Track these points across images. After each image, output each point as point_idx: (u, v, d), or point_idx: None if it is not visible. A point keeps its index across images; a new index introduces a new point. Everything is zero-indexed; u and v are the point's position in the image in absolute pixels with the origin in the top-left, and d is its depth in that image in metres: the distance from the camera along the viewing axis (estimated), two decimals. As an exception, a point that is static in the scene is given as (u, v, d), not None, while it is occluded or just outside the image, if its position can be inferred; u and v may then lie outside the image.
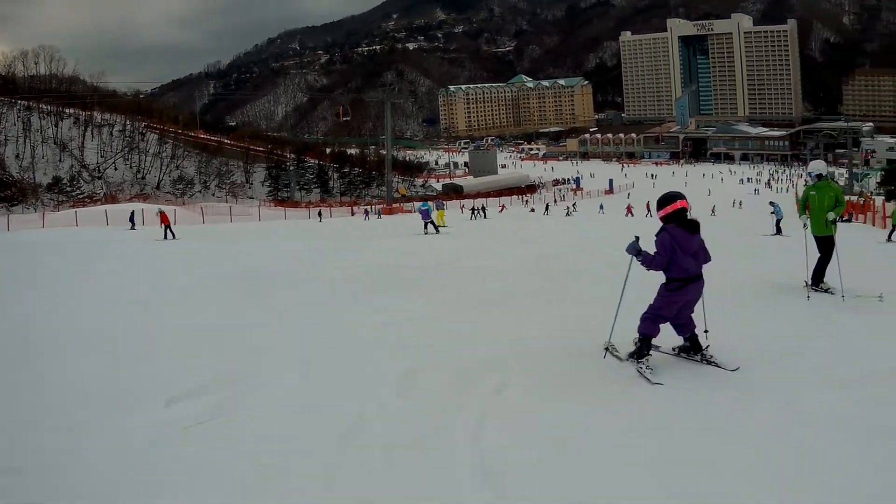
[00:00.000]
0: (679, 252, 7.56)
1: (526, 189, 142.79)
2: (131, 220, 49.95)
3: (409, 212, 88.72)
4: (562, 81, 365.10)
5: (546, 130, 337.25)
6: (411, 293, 13.99)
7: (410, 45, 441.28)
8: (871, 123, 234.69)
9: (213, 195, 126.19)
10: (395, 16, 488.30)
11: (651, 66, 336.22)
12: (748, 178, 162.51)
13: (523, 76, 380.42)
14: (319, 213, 78.31)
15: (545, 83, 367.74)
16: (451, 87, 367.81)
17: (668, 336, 8.25)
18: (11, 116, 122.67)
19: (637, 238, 7.75)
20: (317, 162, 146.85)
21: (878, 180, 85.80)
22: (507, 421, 6.55)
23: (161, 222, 39.33)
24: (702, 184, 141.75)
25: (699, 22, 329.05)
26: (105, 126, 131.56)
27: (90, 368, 8.76)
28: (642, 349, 7.91)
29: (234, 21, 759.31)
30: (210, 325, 11.33)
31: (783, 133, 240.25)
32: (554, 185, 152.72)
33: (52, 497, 5.24)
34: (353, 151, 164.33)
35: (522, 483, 5.35)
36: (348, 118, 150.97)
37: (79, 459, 5.87)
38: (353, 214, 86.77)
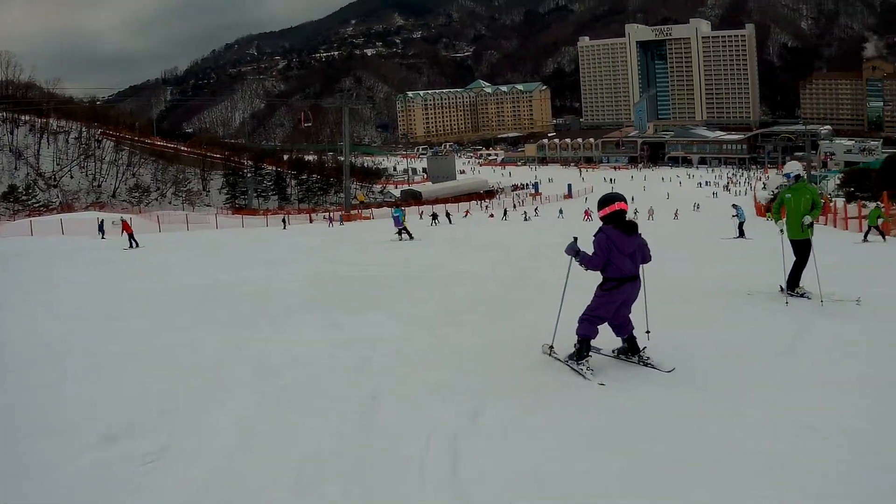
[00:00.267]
0: (616, 252, 7.71)
1: (485, 194, 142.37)
2: (101, 229, 49.07)
3: (368, 218, 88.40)
4: (520, 86, 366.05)
5: (504, 136, 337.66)
6: (371, 307, 13.25)
7: (369, 51, 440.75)
8: (828, 126, 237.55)
9: (170, 203, 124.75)
10: (353, 21, 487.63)
11: (609, 71, 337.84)
12: (706, 182, 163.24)
13: (482, 81, 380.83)
14: (284, 220, 77.58)
15: (503, 88, 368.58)
16: (410, 93, 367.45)
17: (612, 339, 8.47)
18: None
19: (575, 239, 7.99)
20: (274, 169, 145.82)
21: (838, 182, 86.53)
22: (481, 449, 6.01)
23: (123, 231, 38.90)
24: (660, 188, 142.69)
25: (657, 27, 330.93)
26: (61, 133, 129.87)
27: (19, 395, 8.07)
28: (582, 351, 8.01)
29: (191, 27, 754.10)
30: (155, 345, 10.43)
31: (741, 137, 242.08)
32: (513, 191, 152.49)
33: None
34: (310, 158, 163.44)
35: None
36: (310, 124, 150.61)
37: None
38: (311, 221, 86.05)
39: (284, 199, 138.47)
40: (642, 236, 8.01)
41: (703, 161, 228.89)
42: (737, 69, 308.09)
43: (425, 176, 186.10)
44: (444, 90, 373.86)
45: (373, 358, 9.11)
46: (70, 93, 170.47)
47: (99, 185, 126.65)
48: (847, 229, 38.80)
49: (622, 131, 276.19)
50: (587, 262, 7.82)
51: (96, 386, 8.25)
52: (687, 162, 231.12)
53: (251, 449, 6.19)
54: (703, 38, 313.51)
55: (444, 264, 21.66)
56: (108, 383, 8.37)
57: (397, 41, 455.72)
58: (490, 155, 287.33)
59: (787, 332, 9.79)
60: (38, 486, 5.56)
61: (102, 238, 44.86)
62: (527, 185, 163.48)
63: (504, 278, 16.39)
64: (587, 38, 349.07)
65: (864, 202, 63.33)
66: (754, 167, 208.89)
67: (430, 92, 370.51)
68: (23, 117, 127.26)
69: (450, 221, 67.77)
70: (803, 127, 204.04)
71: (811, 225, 12.11)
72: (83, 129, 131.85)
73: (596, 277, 8.08)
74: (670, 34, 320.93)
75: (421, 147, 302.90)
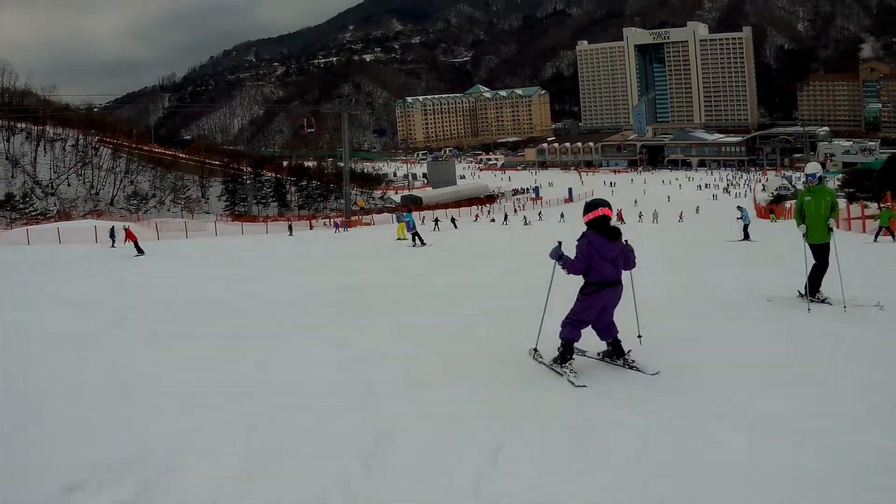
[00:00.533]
0: (597, 257, 7.79)
1: (485, 199, 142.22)
2: (112, 236, 48.55)
3: (369, 224, 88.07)
4: (519, 91, 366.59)
5: (504, 140, 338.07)
6: (376, 321, 12.41)
7: (367, 57, 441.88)
8: (826, 128, 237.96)
9: (169, 210, 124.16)
10: (351, 27, 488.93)
11: (608, 75, 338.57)
12: (706, 185, 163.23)
13: (480, 86, 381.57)
14: (290, 227, 77.02)
15: (502, 93, 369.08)
16: (409, 99, 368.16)
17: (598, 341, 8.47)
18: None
19: (560, 243, 8.11)
20: (274, 175, 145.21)
21: (839, 183, 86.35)
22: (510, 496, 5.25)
23: (126, 238, 38.74)
24: (661, 191, 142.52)
25: (655, 31, 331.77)
26: (58, 141, 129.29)
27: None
28: (565, 354, 8.10)
29: (189, 34, 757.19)
30: (134, 369, 9.42)
31: (739, 139, 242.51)
32: (513, 195, 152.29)
33: None
34: (310, 164, 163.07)
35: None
36: (313, 129, 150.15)
37: None
38: (311, 228, 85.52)
39: (284, 206, 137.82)
40: (628, 242, 8.16)
41: (702, 164, 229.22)
42: (734, 72, 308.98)
43: (425, 181, 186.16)
44: (443, 95, 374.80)
45: (379, 383, 8.15)
46: (67, 100, 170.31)
47: (97, 193, 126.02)
48: (850, 230, 38.40)
49: (622, 135, 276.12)
50: (569, 266, 7.92)
51: (61, 425, 7.08)
52: (686, 165, 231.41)
53: (238, 501, 5.33)
54: (700, 41, 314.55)
55: (451, 273, 20.98)
56: (74, 422, 7.15)
57: (396, 47, 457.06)
58: (490, 160, 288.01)
59: (815, 340, 9.38)
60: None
61: (113, 246, 44.31)
62: (527, 189, 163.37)
63: (514, 289, 15.54)
64: (585, 43, 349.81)
65: (865, 202, 63.06)
66: (753, 169, 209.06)
67: (429, 97, 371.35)
68: (19, 125, 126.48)
69: (455, 226, 67.63)
70: (801, 129, 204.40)
71: (831, 228, 11.58)
72: (80, 136, 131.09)
73: (580, 281, 8.09)
74: (668, 37, 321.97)
75: (421, 152, 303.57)
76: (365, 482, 5.51)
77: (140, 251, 36.68)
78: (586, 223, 8.06)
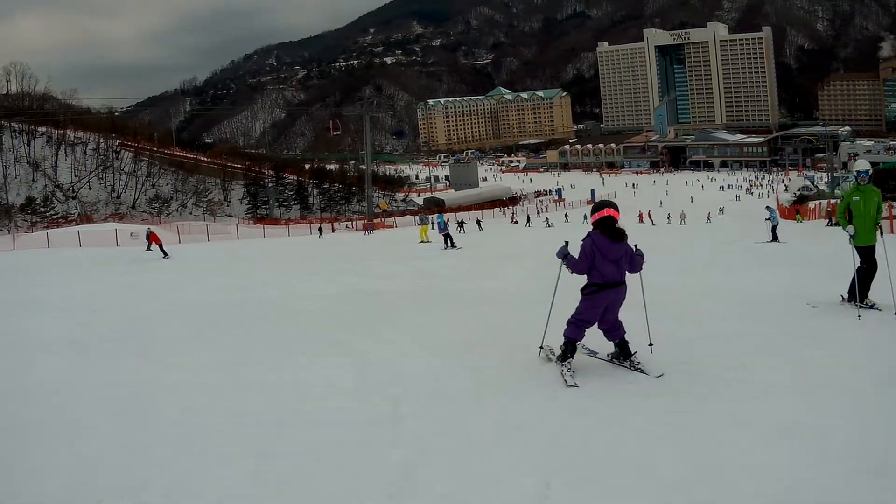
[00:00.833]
0: (599, 258, 7.82)
1: (508, 201, 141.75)
2: (147, 238, 48.43)
3: (392, 227, 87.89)
4: (540, 93, 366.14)
5: (526, 142, 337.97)
6: (400, 330, 11.50)
7: (388, 60, 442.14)
8: (848, 127, 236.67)
9: (191, 213, 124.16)
10: (372, 30, 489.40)
11: (629, 76, 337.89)
12: (728, 185, 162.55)
13: (502, 88, 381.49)
14: (320, 230, 76.86)
15: (524, 95, 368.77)
16: (430, 101, 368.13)
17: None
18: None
19: (566, 243, 8.23)
20: (296, 178, 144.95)
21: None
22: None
23: (151, 242, 39.06)
24: (684, 192, 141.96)
25: (675, 31, 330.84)
26: (78, 144, 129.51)
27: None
28: (566, 352, 8.12)
29: (210, 37, 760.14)
30: (135, 384, 8.58)
31: (761, 139, 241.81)
32: (536, 197, 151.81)
33: None
34: (332, 167, 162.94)
35: None
36: (339, 132, 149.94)
37: None
38: (332, 231, 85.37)
39: (306, 209, 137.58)
40: (637, 247, 8.23)
41: (724, 164, 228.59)
42: (755, 72, 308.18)
43: (447, 184, 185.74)
44: (464, 98, 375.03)
45: (404, 403, 7.34)
46: (87, 104, 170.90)
47: (118, 197, 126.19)
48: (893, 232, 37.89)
49: (645, 136, 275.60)
50: (572, 265, 8.03)
51: (51, 447, 6.39)
52: (708, 166, 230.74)
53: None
54: (720, 41, 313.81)
55: (476, 277, 20.36)
56: (64, 443, 6.48)
57: (416, 49, 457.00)
58: (512, 162, 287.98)
59: (871, 351, 8.86)
60: None
61: (148, 249, 44.22)
62: (549, 191, 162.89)
63: (540, 294, 14.57)
64: (606, 44, 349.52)
65: (892, 202, 62.43)
66: (775, 170, 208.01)
67: (450, 99, 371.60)
68: (39, 129, 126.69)
69: (480, 228, 67.80)
70: (824, 128, 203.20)
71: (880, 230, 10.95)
72: (101, 140, 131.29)
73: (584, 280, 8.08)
74: (688, 38, 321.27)
75: (443, 155, 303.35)
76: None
77: (165, 254, 36.80)
78: (592, 224, 8.10)
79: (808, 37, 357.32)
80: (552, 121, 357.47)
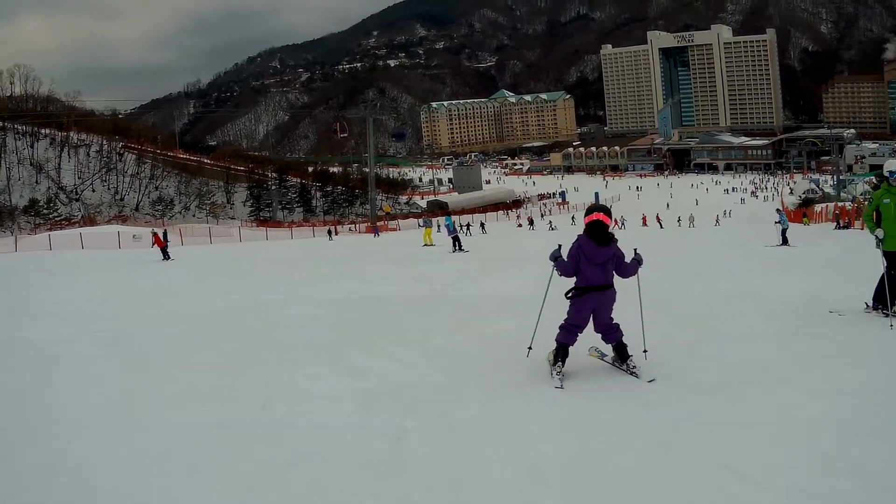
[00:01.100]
0: (584, 261, 7.86)
1: (512, 204, 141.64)
2: (165, 239, 48.12)
3: (395, 230, 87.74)
4: (544, 96, 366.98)
5: (529, 145, 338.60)
6: (404, 342, 10.45)
7: (392, 62, 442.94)
8: (853, 130, 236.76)
9: (194, 216, 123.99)
10: (375, 33, 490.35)
11: (632, 79, 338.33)
12: (733, 188, 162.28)
13: (505, 91, 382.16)
14: (329, 232, 76.82)
15: (527, 98, 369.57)
16: (434, 104, 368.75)
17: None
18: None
19: (560, 246, 8.32)
20: (299, 181, 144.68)
21: (868, 186, 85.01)
22: None
23: (154, 244, 38.89)
24: (688, 194, 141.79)
25: (679, 34, 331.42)
26: (82, 147, 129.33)
27: None
28: (557, 356, 8.09)
29: (214, 40, 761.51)
30: (110, 404, 7.72)
31: (766, 142, 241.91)
32: (539, 200, 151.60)
33: None
34: (335, 170, 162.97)
35: None
36: (346, 135, 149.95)
37: None
38: (336, 234, 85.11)
39: (309, 212, 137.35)
40: (637, 251, 8.30)
41: (728, 167, 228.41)
42: (759, 74, 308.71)
43: (451, 186, 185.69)
44: (467, 100, 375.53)
45: (408, 433, 6.44)
46: (91, 106, 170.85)
47: (121, 199, 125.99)
48: (863, 229, 37.58)
49: (649, 138, 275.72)
50: (559, 268, 8.10)
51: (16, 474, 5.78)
52: (713, 168, 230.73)
53: None
54: (724, 43, 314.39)
55: (483, 282, 19.62)
56: (36, 463, 5.93)
57: (420, 52, 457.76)
58: (516, 164, 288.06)
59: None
60: None
61: (166, 256, 44.01)
62: (553, 194, 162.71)
63: (549, 301, 13.70)
64: (609, 46, 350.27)
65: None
66: (780, 172, 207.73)
67: (454, 102, 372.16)
68: (43, 131, 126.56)
69: (483, 230, 67.94)
70: (829, 131, 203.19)
71: None
72: (104, 142, 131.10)
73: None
74: (692, 40, 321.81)
75: (446, 157, 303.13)
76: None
77: (167, 256, 37.00)
78: (585, 227, 8.11)
79: (812, 39, 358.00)
80: (556, 123, 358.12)
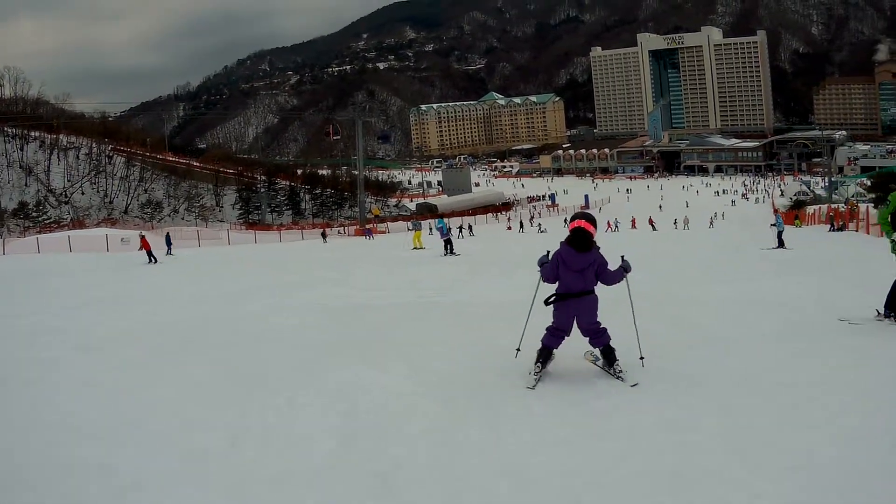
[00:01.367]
0: (563, 267, 7.92)
1: (501, 207, 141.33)
2: (168, 243, 47.73)
3: (384, 232, 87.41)
4: (533, 98, 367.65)
5: (519, 147, 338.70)
6: (392, 357, 9.51)
7: (381, 65, 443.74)
8: (844, 131, 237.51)
9: (183, 219, 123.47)
10: (364, 35, 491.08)
11: (622, 81, 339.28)
12: (724, 190, 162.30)
13: (494, 93, 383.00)
14: (323, 234, 76.62)
15: (517, 100, 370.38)
16: (423, 106, 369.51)
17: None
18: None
19: (548, 252, 8.28)
20: (288, 183, 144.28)
21: (860, 188, 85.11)
22: None
23: (141, 247, 38.69)
24: (679, 197, 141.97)
25: (669, 36, 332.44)
26: (71, 149, 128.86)
27: None
28: (538, 357, 8.13)
29: (203, 43, 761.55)
30: (58, 435, 6.59)
31: (756, 144, 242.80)
32: (529, 203, 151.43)
33: None
34: (324, 172, 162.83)
35: None
36: (339, 137, 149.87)
37: None
38: (325, 236, 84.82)
39: (298, 214, 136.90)
40: (624, 258, 8.34)
41: (719, 169, 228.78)
42: (749, 76, 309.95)
43: (440, 189, 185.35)
44: (457, 103, 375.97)
45: (400, 468, 5.63)
46: (80, 109, 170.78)
47: (111, 202, 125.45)
48: (882, 236, 37.23)
49: (638, 140, 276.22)
50: (543, 274, 8.22)
51: None
52: (703, 171, 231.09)
53: None
54: (714, 45, 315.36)
55: (476, 287, 18.91)
56: None
57: (409, 54, 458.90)
58: (505, 167, 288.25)
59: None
60: None
61: (169, 254, 43.60)
62: (542, 196, 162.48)
63: (547, 310, 12.48)
64: (599, 49, 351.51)
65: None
66: (771, 174, 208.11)
67: (443, 105, 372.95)
68: (32, 133, 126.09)
69: (471, 233, 67.93)
70: (820, 132, 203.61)
71: None
72: (94, 145, 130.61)
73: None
74: (682, 42, 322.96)
75: (435, 160, 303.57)
76: None
77: (153, 259, 36.83)
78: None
79: (802, 41, 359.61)
80: (545, 126, 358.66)
